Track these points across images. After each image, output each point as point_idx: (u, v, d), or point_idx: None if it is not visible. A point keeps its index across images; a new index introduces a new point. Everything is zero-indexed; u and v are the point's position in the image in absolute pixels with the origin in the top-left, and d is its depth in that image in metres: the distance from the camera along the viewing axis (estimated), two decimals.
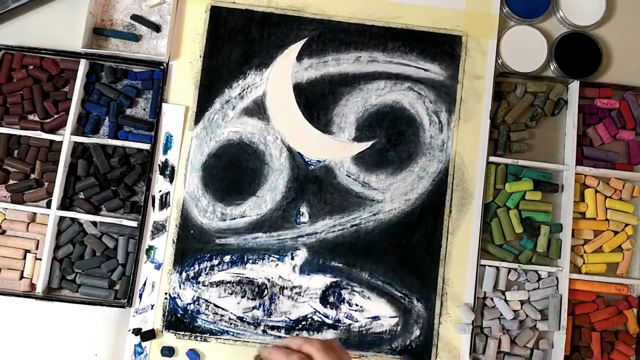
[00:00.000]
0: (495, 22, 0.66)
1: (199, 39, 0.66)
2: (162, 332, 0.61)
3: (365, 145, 0.65)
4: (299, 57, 0.66)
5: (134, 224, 0.62)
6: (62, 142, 0.63)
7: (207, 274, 0.62)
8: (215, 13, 0.66)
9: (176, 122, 0.64)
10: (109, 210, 0.64)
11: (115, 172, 0.63)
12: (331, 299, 0.62)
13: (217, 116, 0.65)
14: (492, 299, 0.63)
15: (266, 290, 0.62)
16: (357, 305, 0.62)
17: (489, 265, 0.63)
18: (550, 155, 0.66)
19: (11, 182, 0.65)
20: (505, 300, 0.63)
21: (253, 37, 0.66)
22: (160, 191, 0.63)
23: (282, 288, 0.62)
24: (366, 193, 0.64)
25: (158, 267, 0.62)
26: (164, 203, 0.63)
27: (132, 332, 0.61)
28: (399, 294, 0.62)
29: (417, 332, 0.62)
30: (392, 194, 0.64)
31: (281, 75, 0.65)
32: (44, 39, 0.65)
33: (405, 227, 0.63)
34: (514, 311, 0.63)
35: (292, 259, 0.63)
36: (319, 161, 0.64)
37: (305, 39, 0.66)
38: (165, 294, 0.62)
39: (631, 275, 0.65)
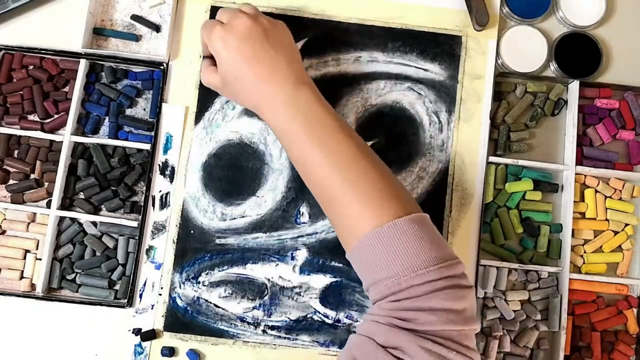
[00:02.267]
0: (495, 22, 0.66)
1: (199, 39, 0.65)
2: (162, 332, 0.61)
3: None
4: None
5: (134, 224, 0.62)
6: (62, 142, 0.63)
7: (207, 274, 0.62)
8: (216, 13, 0.66)
9: (176, 122, 0.64)
10: (109, 210, 0.64)
11: (115, 172, 0.63)
12: (331, 299, 0.62)
13: (217, 116, 0.65)
14: (492, 299, 0.63)
15: (266, 290, 0.62)
16: (357, 305, 0.62)
17: (489, 265, 0.63)
18: (550, 155, 0.66)
19: (11, 182, 0.65)
20: (505, 300, 0.63)
21: None
22: (160, 191, 0.63)
23: (282, 288, 0.62)
24: None
25: (158, 267, 0.62)
26: (164, 203, 0.63)
27: (132, 332, 0.61)
28: None
29: None
30: None
31: None
32: (44, 39, 0.65)
33: None
34: (515, 311, 0.63)
35: (292, 258, 0.63)
36: None
37: (305, 39, 0.66)
38: (163, 294, 0.62)
39: (631, 275, 0.65)
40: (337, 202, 0.50)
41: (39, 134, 0.64)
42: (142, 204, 0.63)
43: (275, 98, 0.53)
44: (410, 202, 0.51)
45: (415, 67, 0.66)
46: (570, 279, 0.62)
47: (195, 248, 0.63)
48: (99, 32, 0.66)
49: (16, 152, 0.65)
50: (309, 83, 0.54)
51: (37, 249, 0.63)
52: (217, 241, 0.63)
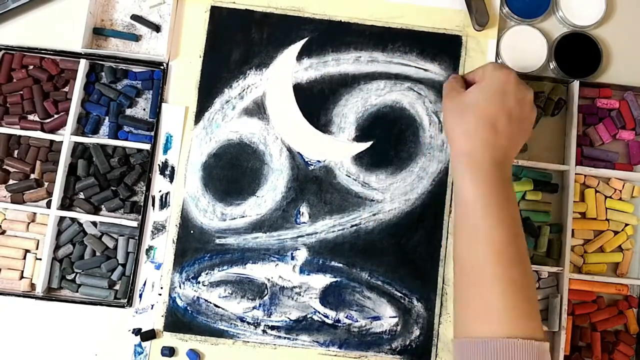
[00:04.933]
0: (495, 22, 0.66)
1: (199, 39, 0.66)
2: (162, 332, 0.61)
3: (365, 145, 0.65)
4: (299, 57, 0.66)
5: (134, 224, 0.62)
6: (62, 142, 0.63)
7: (207, 274, 0.62)
8: (215, 13, 0.66)
9: (176, 122, 0.64)
10: (109, 210, 0.64)
11: (115, 172, 0.63)
12: (331, 299, 0.62)
13: (217, 116, 0.65)
14: None
15: (266, 290, 0.62)
16: (357, 305, 0.62)
17: None
18: (550, 155, 0.66)
19: (11, 182, 0.65)
20: None
21: (253, 37, 0.66)
22: (160, 191, 0.63)
23: (282, 288, 0.62)
24: (366, 193, 0.64)
25: (158, 267, 0.62)
26: (164, 203, 0.63)
27: (132, 332, 0.61)
28: (399, 294, 0.62)
29: (417, 332, 0.62)
30: (392, 194, 0.64)
31: (281, 75, 0.65)
32: (44, 39, 0.65)
33: (405, 227, 0.63)
34: None
35: (292, 258, 0.63)
36: (318, 161, 0.64)
37: (305, 39, 0.66)
38: (163, 294, 0.62)
39: (631, 275, 0.65)
40: (482, 288, 0.48)
41: (39, 134, 0.64)
42: (142, 204, 0.63)
43: (480, 161, 0.52)
44: (541, 325, 0.49)
45: (415, 67, 0.66)
46: (570, 279, 0.62)
47: (195, 248, 0.63)
48: (99, 32, 0.66)
49: (16, 152, 0.65)
50: (510, 165, 0.54)
51: (37, 249, 0.63)
52: (217, 241, 0.63)
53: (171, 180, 0.64)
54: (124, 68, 0.66)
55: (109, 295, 0.62)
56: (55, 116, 0.65)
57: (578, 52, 0.66)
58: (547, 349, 0.47)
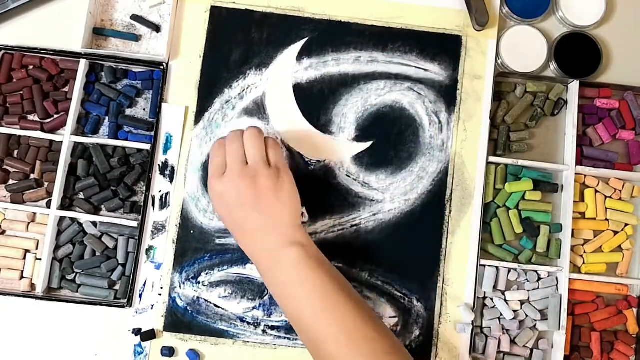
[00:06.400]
0: (495, 22, 0.66)
1: (199, 39, 0.66)
2: (162, 332, 0.61)
3: (365, 145, 0.65)
4: (299, 57, 0.66)
5: (134, 224, 0.62)
6: (62, 142, 0.63)
7: (207, 274, 0.62)
8: (215, 13, 0.66)
9: (176, 122, 0.64)
10: (109, 210, 0.64)
11: (115, 172, 0.63)
12: None
13: (217, 116, 0.65)
14: (492, 299, 0.63)
15: (266, 290, 0.62)
16: None
17: (489, 265, 0.63)
18: (550, 155, 0.66)
19: (11, 182, 0.65)
20: (505, 300, 0.63)
21: (253, 37, 0.66)
22: (160, 191, 0.63)
23: None
24: (366, 193, 0.64)
25: (158, 267, 0.62)
26: (164, 203, 0.63)
27: (132, 332, 0.61)
28: (399, 294, 0.62)
29: (417, 332, 0.62)
30: (392, 194, 0.64)
31: (281, 76, 0.65)
32: (44, 39, 0.65)
33: (405, 227, 0.63)
34: (514, 311, 0.63)
35: None
36: (318, 161, 0.64)
37: (305, 39, 0.66)
38: (163, 294, 0.62)
39: (631, 275, 0.66)
40: (326, 352, 0.51)
41: (38, 134, 0.64)
42: (142, 204, 0.63)
43: (260, 257, 0.55)
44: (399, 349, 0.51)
45: (415, 67, 0.66)
46: (570, 279, 0.62)
47: (195, 248, 0.63)
48: (99, 32, 0.66)
49: (16, 152, 0.65)
50: (298, 242, 0.53)
51: (37, 249, 0.63)
52: (217, 241, 0.63)
53: (171, 180, 0.64)
54: (124, 68, 0.66)
55: (109, 295, 0.62)
56: (55, 116, 0.65)
57: (578, 52, 0.67)
58: None
